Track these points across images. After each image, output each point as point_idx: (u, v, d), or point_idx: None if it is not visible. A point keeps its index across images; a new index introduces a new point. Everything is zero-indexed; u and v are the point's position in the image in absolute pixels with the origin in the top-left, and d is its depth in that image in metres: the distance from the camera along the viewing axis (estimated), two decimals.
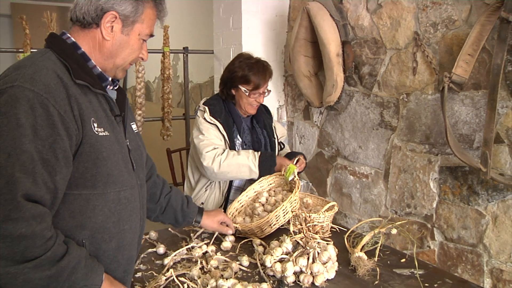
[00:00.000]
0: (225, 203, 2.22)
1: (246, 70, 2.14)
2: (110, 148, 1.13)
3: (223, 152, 2.09)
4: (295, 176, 1.97)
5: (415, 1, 2.19)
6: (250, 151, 2.13)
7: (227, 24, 3.03)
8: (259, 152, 2.13)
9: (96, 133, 1.09)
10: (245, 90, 2.14)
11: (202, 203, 2.18)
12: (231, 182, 2.24)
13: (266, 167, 2.10)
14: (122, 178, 1.16)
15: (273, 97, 3.07)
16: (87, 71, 1.14)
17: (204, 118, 2.14)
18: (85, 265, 1.05)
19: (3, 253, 0.92)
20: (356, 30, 2.52)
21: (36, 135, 0.97)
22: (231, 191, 2.24)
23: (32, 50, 2.67)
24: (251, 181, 2.25)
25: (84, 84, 1.10)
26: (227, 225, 1.76)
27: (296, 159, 2.18)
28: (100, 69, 1.18)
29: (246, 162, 2.08)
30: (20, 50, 2.73)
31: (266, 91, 2.21)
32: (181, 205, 1.65)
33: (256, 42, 2.96)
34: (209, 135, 2.12)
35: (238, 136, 2.22)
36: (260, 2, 2.94)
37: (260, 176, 2.10)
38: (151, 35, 1.23)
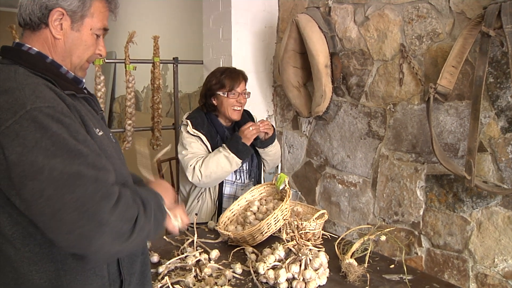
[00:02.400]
0: (218, 212, 2.24)
1: (219, 76, 2.26)
2: (109, 146, 1.14)
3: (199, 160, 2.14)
4: (285, 185, 2.01)
5: (401, 14, 2.26)
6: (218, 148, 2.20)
7: (217, 35, 3.07)
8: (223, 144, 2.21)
9: (98, 134, 1.11)
10: (223, 93, 2.23)
11: (196, 214, 2.20)
12: (221, 190, 2.27)
13: (235, 144, 2.15)
14: (121, 170, 1.19)
15: (262, 107, 3.12)
16: (65, 79, 1.12)
17: (188, 132, 2.19)
18: (151, 193, 1.14)
19: (122, 230, 0.98)
20: (344, 42, 2.58)
21: (78, 140, 0.98)
22: (223, 199, 2.27)
23: None
24: (242, 189, 2.28)
25: (70, 93, 1.10)
26: None
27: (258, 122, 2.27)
28: (72, 73, 1.16)
29: (219, 154, 2.14)
30: None
31: (245, 92, 2.29)
32: None
33: (245, 53, 3.01)
34: (192, 149, 2.17)
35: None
36: (250, 14, 2.99)
37: (241, 159, 2.17)
38: (105, 29, 1.19)
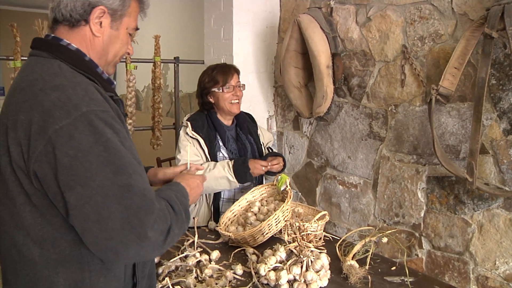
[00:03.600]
0: (214, 215, 2.23)
1: (211, 73, 2.27)
2: (135, 149, 1.15)
3: None
4: (287, 186, 2.00)
5: (403, 15, 2.26)
6: (225, 161, 2.17)
7: (218, 35, 3.07)
8: (232, 161, 2.17)
9: (130, 136, 1.11)
10: (218, 89, 2.23)
11: (194, 218, 2.19)
12: (219, 195, 2.26)
13: (242, 174, 2.14)
14: (142, 171, 1.19)
15: (263, 108, 3.12)
16: (103, 79, 1.12)
17: (186, 133, 2.20)
18: (177, 193, 1.14)
19: (158, 242, 0.98)
20: (345, 43, 2.57)
21: (125, 147, 0.99)
22: (223, 203, 2.26)
23: (23, 58, 2.67)
24: (242, 191, 2.27)
25: (110, 95, 1.10)
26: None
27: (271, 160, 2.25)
28: (107, 74, 1.16)
29: (222, 174, 2.12)
30: (10, 57, 2.72)
31: (239, 85, 2.29)
32: None
33: (246, 53, 3.00)
34: (186, 154, 2.15)
35: (222, 147, 2.25)
36: (251, 14, 2.98)
37: (240, 183, 2.15)
38: (137, 29, 1.21)
